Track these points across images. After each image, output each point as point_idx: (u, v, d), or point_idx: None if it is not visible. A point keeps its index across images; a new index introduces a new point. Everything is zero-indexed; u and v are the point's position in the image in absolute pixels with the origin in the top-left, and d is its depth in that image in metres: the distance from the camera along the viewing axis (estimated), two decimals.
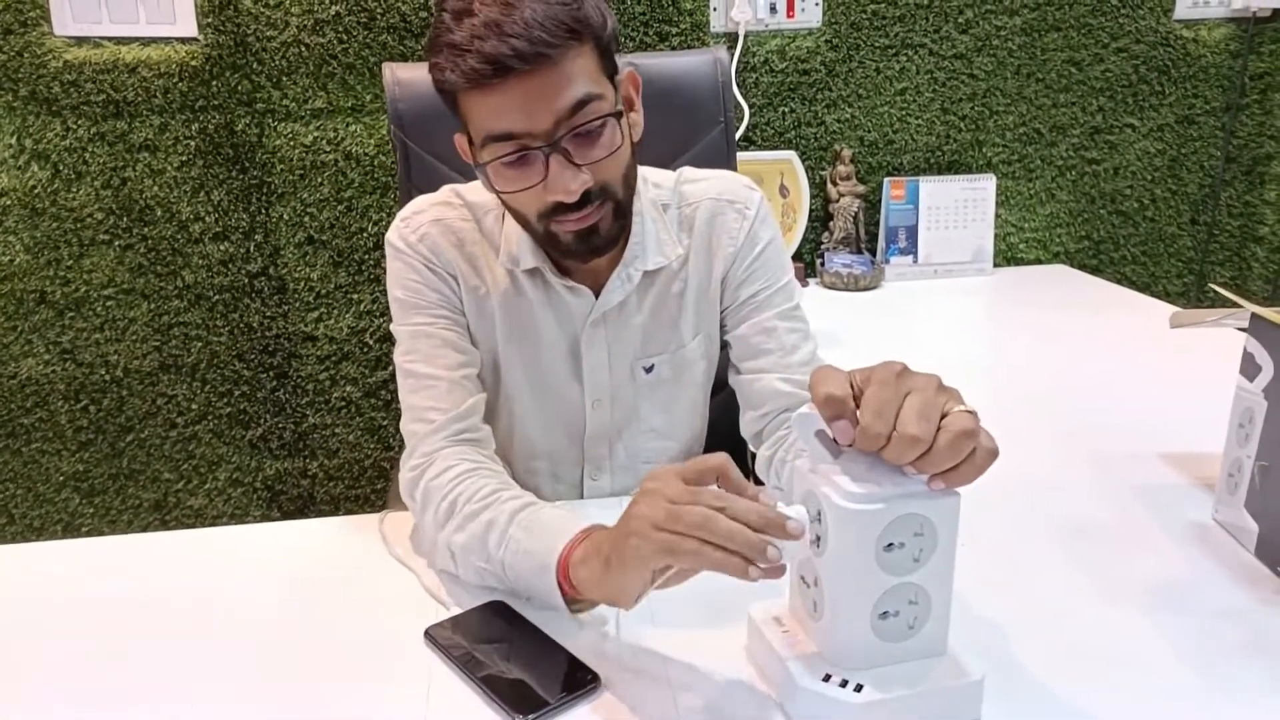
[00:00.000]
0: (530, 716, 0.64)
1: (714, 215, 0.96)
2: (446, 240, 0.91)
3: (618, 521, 0.66)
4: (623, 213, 0.86)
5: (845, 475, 0.60)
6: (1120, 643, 0.72)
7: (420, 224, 0.91)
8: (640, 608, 0.68)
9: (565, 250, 0.86)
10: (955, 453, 0.57)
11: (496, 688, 0.67)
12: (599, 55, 0.80)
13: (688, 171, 1.00)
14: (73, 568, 0.87)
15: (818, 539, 0.62)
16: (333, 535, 0.92)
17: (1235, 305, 0.88)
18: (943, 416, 0.57)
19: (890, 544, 0.60)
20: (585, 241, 0.84)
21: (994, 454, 0.59)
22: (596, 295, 0.92)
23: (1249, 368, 0.83)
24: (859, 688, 0.62)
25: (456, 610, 0.77)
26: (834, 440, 0.61)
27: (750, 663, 0.70)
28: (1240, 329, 0.87)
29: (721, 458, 0.64)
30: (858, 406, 0.59)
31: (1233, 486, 0.86)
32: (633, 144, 0.86)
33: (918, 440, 0.56)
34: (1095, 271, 1.98)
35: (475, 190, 0.94)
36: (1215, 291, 1.49)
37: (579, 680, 0.67)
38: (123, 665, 0.73)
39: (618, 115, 0.81)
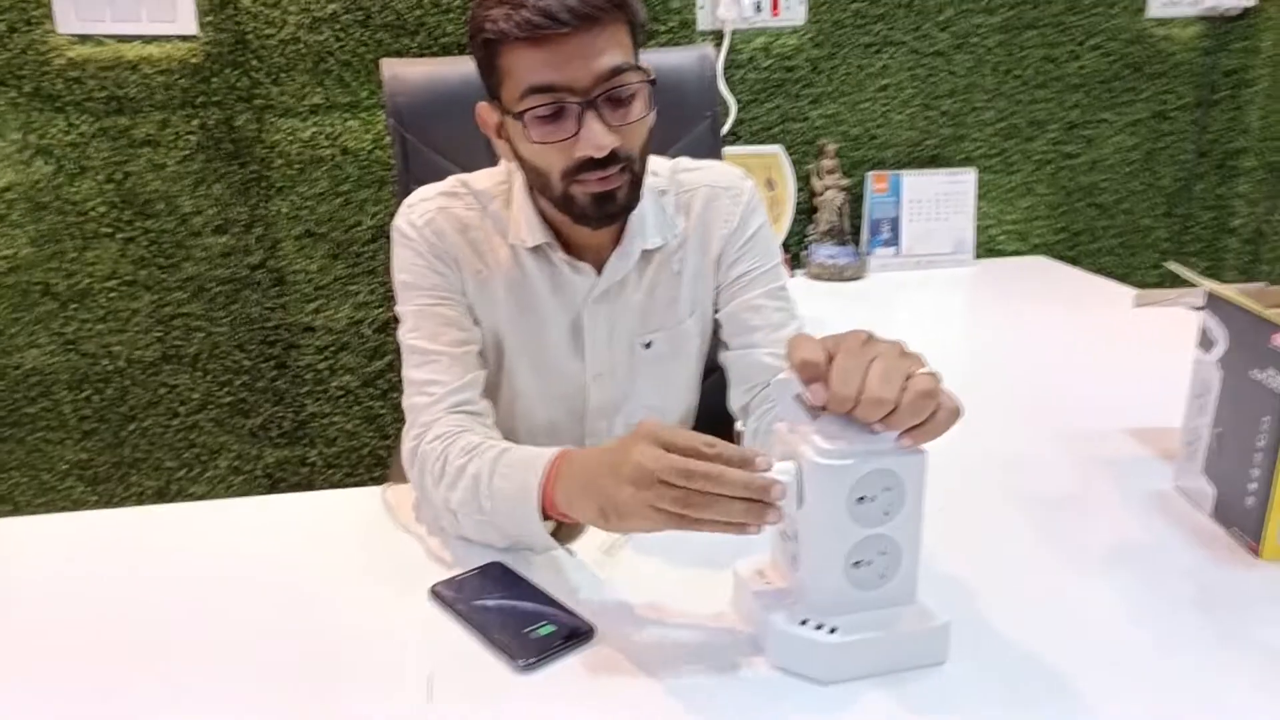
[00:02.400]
0: (530, 662, 0.69)
1: (710, 200, 1.01)
2: (450, 226, 0.96)
3: (607, 458, 0.71)
4: (637, 184, 0.91)
5: (819, 435, 0.65)
6: (1079, 599, 0.77)
7: (426, 210, 0.96)
8: (630, 566, 0.73)
9: (579, 213, 0.90)
10: (918, 411, 0.62)
11: (498, 638, 0.71)
12: (632, 36, 0.86)
13: (684, 160, 1.05)
14: (82, 540, 0.91)
15: (800, 496, 0.67)
16: (337, 506, 0.96)
17: (1192, 285, 0.94)
18: (907, 379, 0.62)
19: (862, 497, 0.65)
20: (600, 205, 0.88)
21: (956, 413, 0.64)
22: (599, 272, 0.97)
23: (1205, 341, 0.89)
24: (833, 630, 0.67)
25: (459, 570, 0.81)
26: (809, 403, 0.66)
27: (735, 612, 0.75)
28: (1196, 308, 0.93)
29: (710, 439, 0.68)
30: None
31: (1191, 454, 0.91)
32: (652, 123, 0.91)
33: (883, 401, 0.61)
34: (1073, 262, 2.04)
35: (480, 179, 0.99)
36: (1173, 272, 1.53)
37: (575, 630, 0.72)
38: (140, 631, 0.76)
39: (652, 83, 0.87)
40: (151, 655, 0.73)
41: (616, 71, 0.83)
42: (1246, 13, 1.97)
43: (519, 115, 0.85)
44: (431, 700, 0.66)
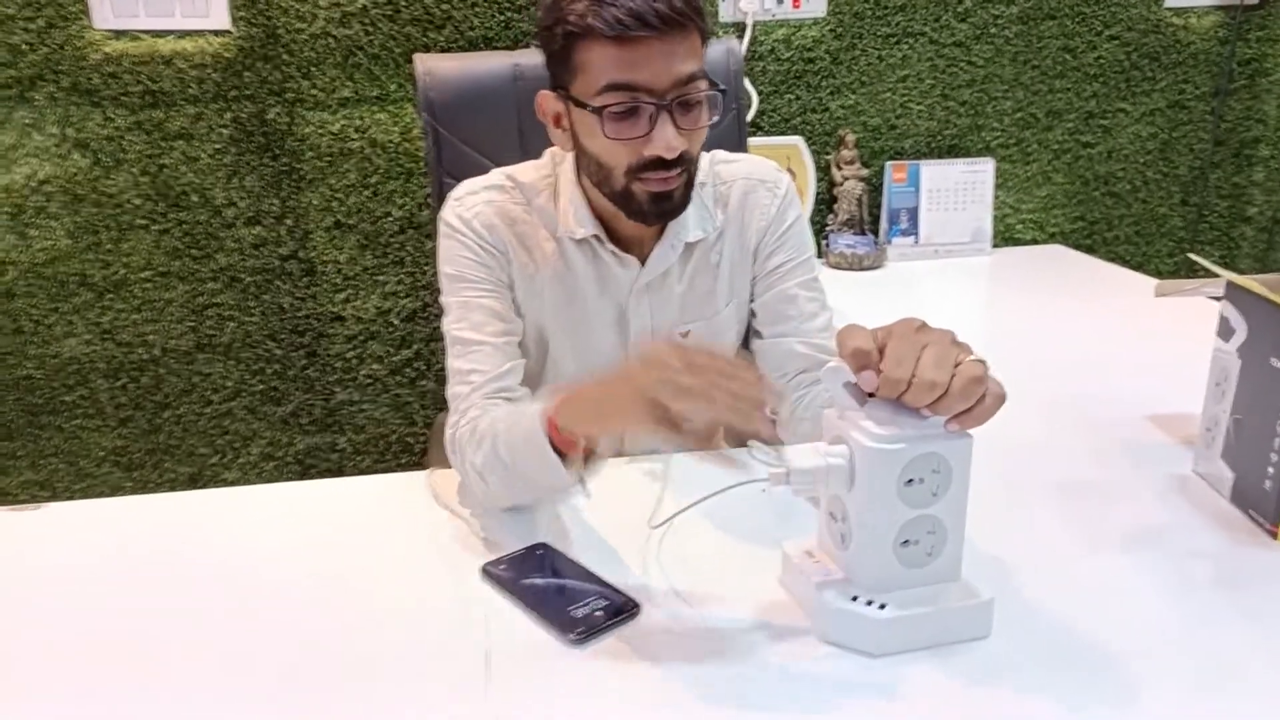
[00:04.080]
0: (579, 635, 0.72)
1: (747, 193, 1.04)
2: (500, 219, 0.99)
3: (611, 372, 0.74)
4: (691, 185, 0.95)
5: (870, 420, 0.68)
6: (1107, 578, 0.81)
7: (474, 204, 0.99)
8: (675, 546, 0.76)
9: (636, 209, 0.93)
10: (967, 396, 0.65)
11: (548, 614, 0.75)
12: (703, 45, 0.90)
13: (720, 154, 1.08)
14: (120, 525, 0.93)
15: (851, 479, 0.70)
16: (377, 490, 0.99)
17: (1214, 275, 0.96)
18: (957, 365, 0.65)
19: (910, 480, 0.69)
20: (658, 204, 0.92)
21: (1002, 398, 0.67)
22: (642, 265, 1.01)
23: (1225, 330, 0.92)
24: (883, 606, 0.70)
25: (506, 551, 0.84)
26: (860, 389, 0.69)
27: (783, 589, 0.78)
28: (1215, 298, 0.96)
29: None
30: (881, 359, 0.67)
31: (1210, 440, 0.94)
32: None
33: (935, 385, 0.64)
34: (1089, 251, 2.07)
35: (525, 171, 1.02)
36: (1194, 262, 1.56)
37: (622, 606, 0.75)
38: (187, 614, 0.79)
39: (722, 92, 0.91)
40: (195, 644, 0.75)
41: (692, 78, 0.87)
42: (1264, 2, 1.99)
43: (596, 110, 0.88)
44: (489, 674, 0.70)
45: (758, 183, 1.04)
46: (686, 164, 0.91)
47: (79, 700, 0.68)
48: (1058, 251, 2.03)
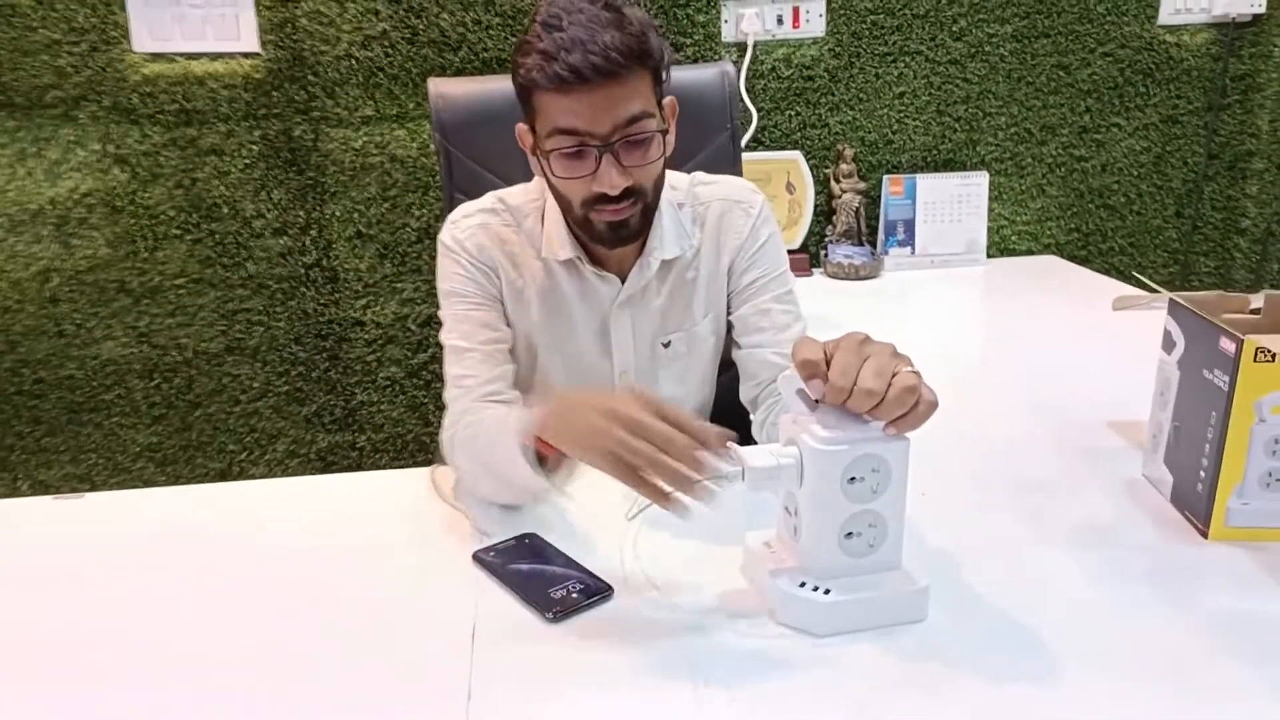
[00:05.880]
0: (556, 613, 0.81)
1: (723, 214, 1.12)
2: (490, 240, 1.08)
3: (593, 395, 0.82)
4: (649, 212, 1.03)
5: (818, 424, 0.76)
6: (1047, 570, 0.87)
7: (467, 227, 1.09)
8: (647, 538, 0.84)
9: (597, 236, 1.02)
10: (902, 403, 0.72)
11: (531, 595, 0.83)
12: (654, 81, 0.98)
13: (700, 175, 1.16)
14: (164, 512, 1.03)
15: (800, 476, 0.78)
16: (387, 485, 1.09)
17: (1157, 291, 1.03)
18: (894, 376, 0.73)
19: (853, 478, 0.76)
20: (615, 231, 1.01)
21: (933, 405, 0.75)
22: (623, 281, 1.09)
23: (1167, 343, 0.99)
24: (827, 591, 0.78)
25: (497, 540, 0.93)
26: (809, 396, 0.77)
27: (744, 577, 0.86)
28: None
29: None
30: (828, 369, 0.75)
31: (1155, 445, 1.01)
32: (665, 158, 1.03)
33: (873, 393, 0.72)
34: (1084, 262, 2.12)
35: (515, 195, 1.11)
36: (1138, 280, 1.63)
37: (596, 589, 0.84)
38: (214, 593, 0.88)
39: (663, 133, 0.99)
40: (226, 614, 0.83)
41: (633, 120, 0.95)
42: (1257, 19, 2.03)
43: (546, 152, 0.97)
44: (474, 645, 0.79)
45: (733, 204, 1.12)
46: (638, 194, 0.99)
47: (121, 668, 0.78)
48: (1050, 262, 2.09)
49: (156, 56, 1.79)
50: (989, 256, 2.08)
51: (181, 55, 1.80)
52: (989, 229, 2.07)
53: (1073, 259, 2.12)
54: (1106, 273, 2.02)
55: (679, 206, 1.12)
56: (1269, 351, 0.84)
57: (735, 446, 0.78)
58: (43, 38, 1.74)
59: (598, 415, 0.77)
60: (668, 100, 1.02)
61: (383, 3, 1.81)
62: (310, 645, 0.80)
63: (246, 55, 1.81)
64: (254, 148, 1.86)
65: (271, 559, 0.93)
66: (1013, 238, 2.14)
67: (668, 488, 0.75)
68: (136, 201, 1.85)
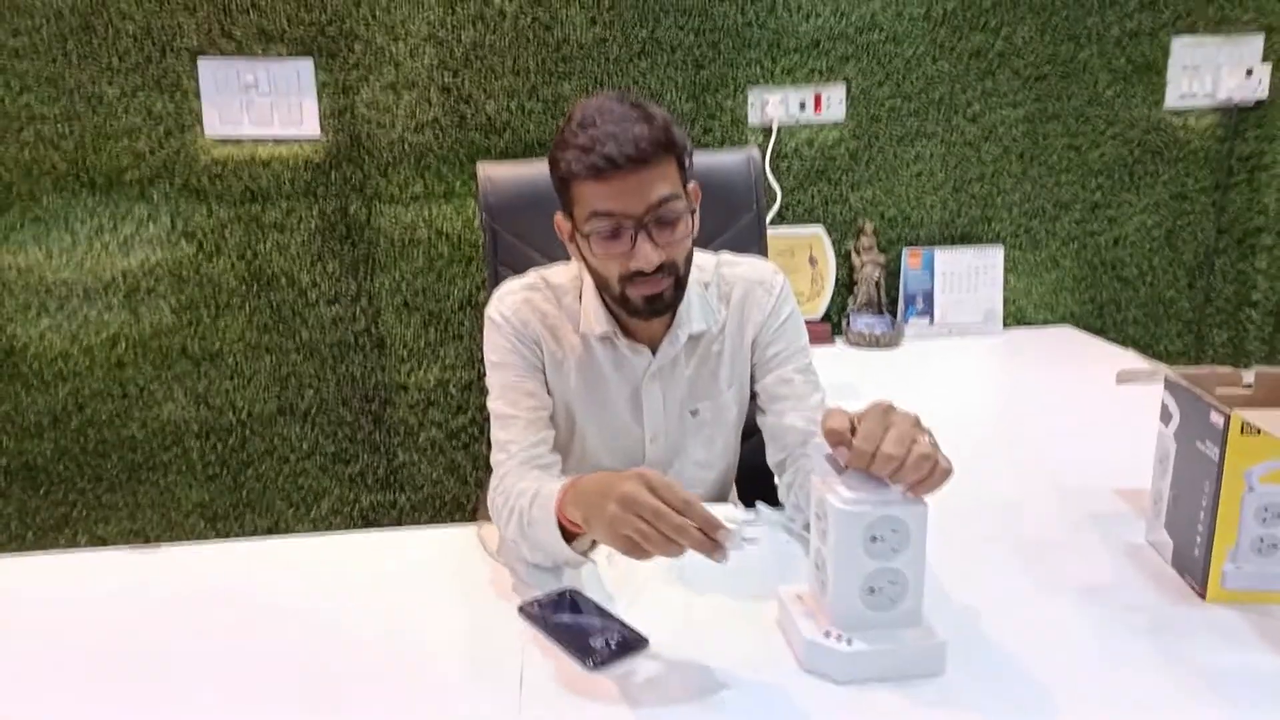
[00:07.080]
0: (597, 661, 0.88)
1: (747, 293, 1.22)
2: (534, 315, 1.18)
3: (606, 481, 0.90)
4: (681, 286, 1.12)
5: (843, 486, 0.84)
6: (1055, 627, 0.94)
7: (513, 302, 1.19)
8: (686, 590, 0.93)
9: (634, 310, 1.11)
10: (918, 469, 0.80)
11: (572, 645, 0.90)
12: (679, 167, 1.08)
13: (725, 257, 1.26)
14: (225, 564, 1.12)
15: (824, 534, 0.86)
16: (432, 540, 1.16)
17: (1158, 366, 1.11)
18: (913, 443, 0.81)
19: (874, 536, 0.84)
20: (650, 304, 1.10)
21: (948, 472, 0.82)
22: (654, 354, 1.18)
23: (1165, 415, 1.06)
24: (849, 641, 0.85)
25: (540, 594, 1.00)
26: (836, 461, 0.85)
27: (778, 628, 0.93)
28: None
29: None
30: (854, 436, 0.83)
31: (1157, 511, 1.08)
32: (692, 236, 1.12)
33: (892, 458, 0.80)
34: (1099, 332, 2.19)
35: (557, 274, 1.22)
36: (1137, 355, 1.71)
37: (633, 640, 0.91)
38: (269, 640, 0.96)
39: (691, 213, 1.09)
40: (284, 660, 0.91)
41: (664, 201, 1.05)
42: (1260, 104, 2.13)
43: (586, 235, 1.07)
44: (522, 691, 0.86)
45: (756, 283, 1.22)
46: (670, 269, 1.08)
47: (172, 713, 0.87)
48: (1066, 332, 2.16)
49: (225, 140, 1.94)
50: (1005, 326, 2.15)
51: (249, 139, 1.94)
52: (1005, 300, 2.15)
53: (1088, 329, 2.19)
54: (1123, 343, 2.08)
55: (705, 286, 1.21)
56: (1254, 427, 0.91)
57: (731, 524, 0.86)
58: (125, 123, 1.90)
59: (615, 505, 0.85)
60: (692, 185, 1.12)
61: (435, 91, 1.96)
62: (366, 692, 0.87)
63: (308, 139, 1.96)
64: (312, 223, 1.99)
65: (326, 610, 1.01)
66: (1029, 308, 2.21)
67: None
68: (201, 272, 1.99)
